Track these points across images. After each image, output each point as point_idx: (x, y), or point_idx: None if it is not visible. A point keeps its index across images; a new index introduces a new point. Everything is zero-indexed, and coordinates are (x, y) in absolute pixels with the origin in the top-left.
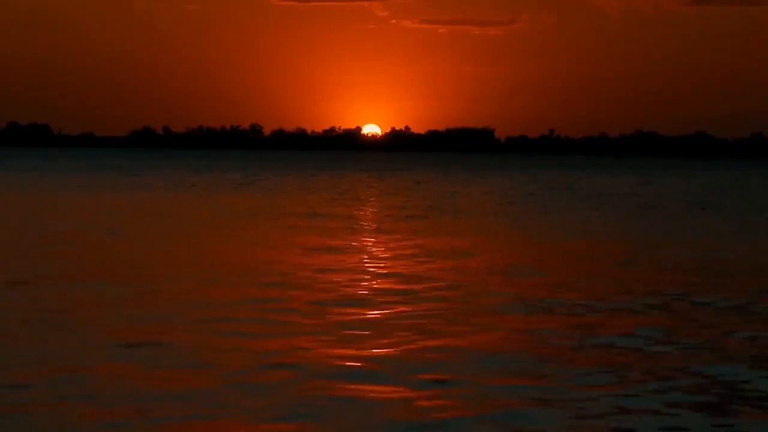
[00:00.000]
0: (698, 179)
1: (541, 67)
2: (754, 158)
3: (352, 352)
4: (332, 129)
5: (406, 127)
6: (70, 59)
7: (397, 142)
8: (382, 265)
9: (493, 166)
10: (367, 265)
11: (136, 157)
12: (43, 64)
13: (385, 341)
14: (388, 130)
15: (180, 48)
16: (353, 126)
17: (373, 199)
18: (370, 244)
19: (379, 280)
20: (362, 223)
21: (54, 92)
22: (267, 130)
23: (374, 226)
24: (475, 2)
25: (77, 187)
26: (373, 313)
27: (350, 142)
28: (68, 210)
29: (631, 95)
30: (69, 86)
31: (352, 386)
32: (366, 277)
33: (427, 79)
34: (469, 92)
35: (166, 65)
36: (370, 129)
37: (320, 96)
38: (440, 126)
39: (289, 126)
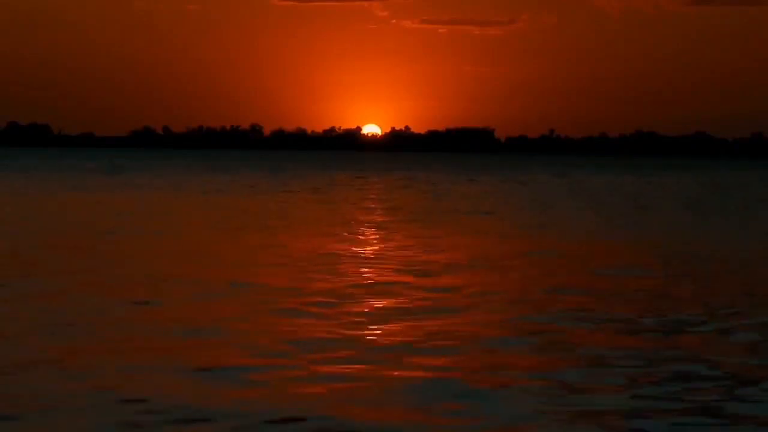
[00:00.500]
0: (717, 179)
1: (541, 67)
2: (754, 158)
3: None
4: (332, 129)
5: (406, 127)
6: (70, 59)
7: (397, 142)
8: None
9: (494, 166)
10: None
11: (137, 157)
12: (43, 64)
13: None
14: (388, 130)
15: (180, 48)
16: (353, 126)
17: (398, 198)
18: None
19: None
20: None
21: (54, 92)
22: (267, 130)
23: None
24: (475, 2)
25: (113, 186)
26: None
27: (350, 142)
28: (109, 210)
29: (631, 95)
30: (69, 86)
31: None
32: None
33: (427, 79)
34: (469, 92)
35: (166, 65)
36: (370, 129)
37: (320, 96)
38: (440, 126)
39: (289, 126)
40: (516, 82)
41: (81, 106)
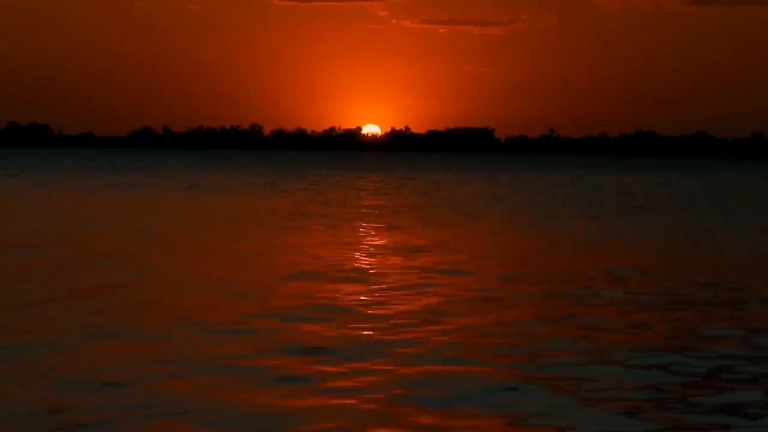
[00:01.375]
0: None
1: (541, 67)
2: (754, 158)
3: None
4: (332, 129)
5: (406, 127)
6: (70, 59)
7: (397, 142)
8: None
9: (495, 166)
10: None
11: (137, 157)
12: (43, 64)
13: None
14: (388, 130)
15: (180, 48)
16: (353, 126)
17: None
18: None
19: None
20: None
21: (54, 92)
22: (267, 130)
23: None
24: (475, 2)
25: (145, 186)
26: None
27: (350, 142)
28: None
29: (631, 95)
30: (69, 86)
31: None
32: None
33: (427, 79)
34: (469, 92)
35: (166, 65)
36: (370, 129)
37: (320, 96)
38: (440, 126)
39: (289, 126)
40: (516, 82)
41: (81, 106)
